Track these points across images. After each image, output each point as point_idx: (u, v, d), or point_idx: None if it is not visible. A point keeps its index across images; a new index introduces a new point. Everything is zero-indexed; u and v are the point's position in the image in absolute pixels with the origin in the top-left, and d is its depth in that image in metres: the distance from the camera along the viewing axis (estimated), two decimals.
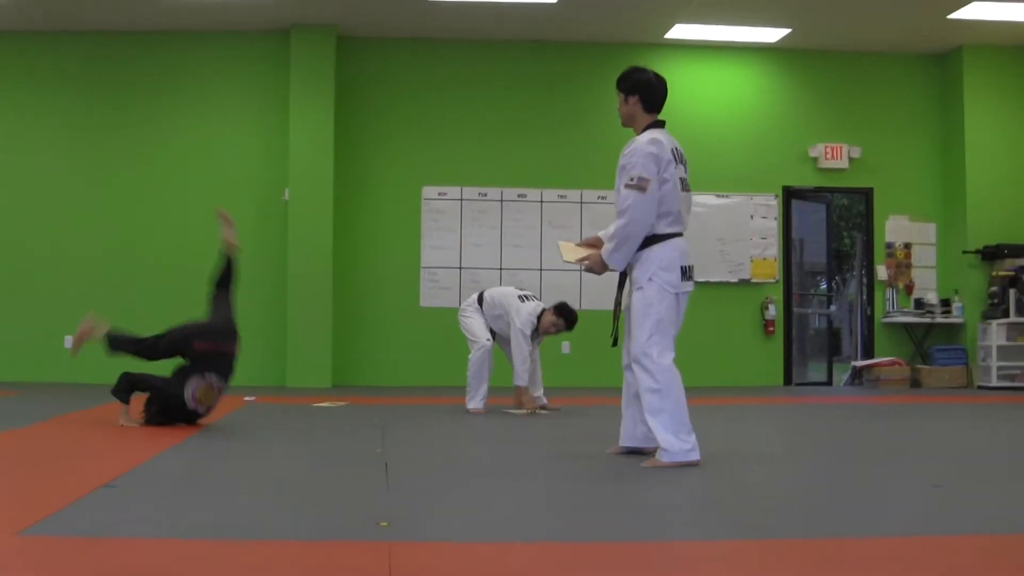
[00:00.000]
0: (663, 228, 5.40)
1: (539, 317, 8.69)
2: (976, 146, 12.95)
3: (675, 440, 5.28)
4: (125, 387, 6.91)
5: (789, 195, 13.28)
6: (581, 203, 12.79)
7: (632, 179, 5.34)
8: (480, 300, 8.94)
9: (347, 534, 3.68)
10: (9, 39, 12.44)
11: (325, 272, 12.12)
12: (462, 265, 12.74)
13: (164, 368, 6.99)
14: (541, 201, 12.82)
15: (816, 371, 14.46)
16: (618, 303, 5.73)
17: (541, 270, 12.62)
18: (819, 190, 13.52)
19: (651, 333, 5.35)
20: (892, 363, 12.90)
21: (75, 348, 7.38)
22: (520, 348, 8.57)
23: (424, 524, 3.90)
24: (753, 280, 12.94)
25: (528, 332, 8.63)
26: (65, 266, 12.31)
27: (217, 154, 12.55)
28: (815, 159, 13.19)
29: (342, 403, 9.50)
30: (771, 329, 13.02)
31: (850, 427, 8.45)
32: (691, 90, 12.86)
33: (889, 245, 13.33)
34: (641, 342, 5.37)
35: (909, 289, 13.30)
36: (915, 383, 12.79)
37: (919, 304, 13.15)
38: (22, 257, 12.32)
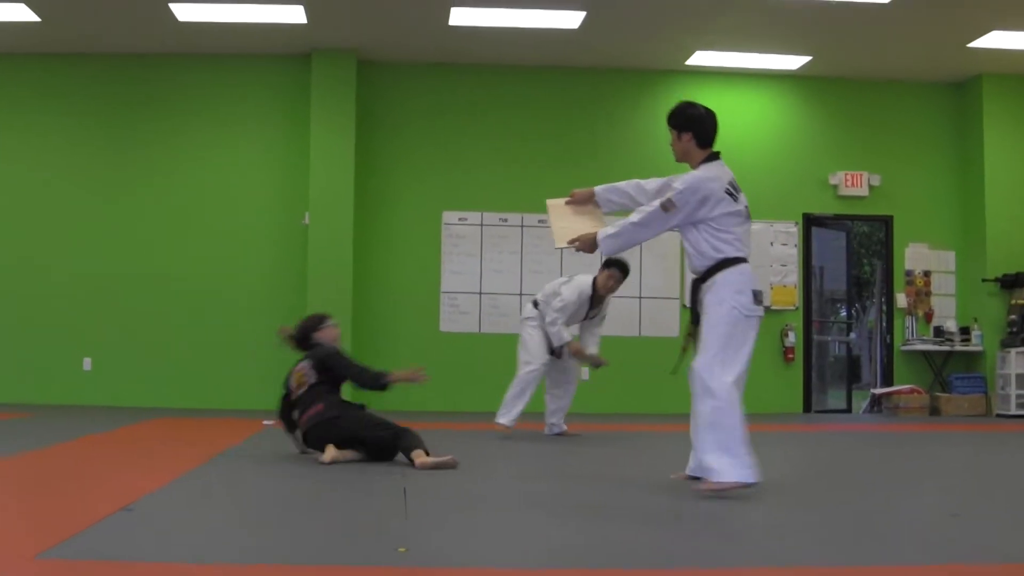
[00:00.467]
0: (731, 252, 5.37)
1: (593, 287, 8.57)
2: (995, 174, 12.92)
3: (727, 459, 5.17)
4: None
5: (809, 222, 13.27)
6: None
7: (667, 199, 5.38)
8: (535, 305, 8.79)
9: (365, 559, 3.67)
10: (31, 61, 12.53)
11: (345, 296, 12.10)
12: (482, 290, 12.75)
13: None
14: None
15: (835, 398, 14.40)
16: (690, 334, 5.60)
17: None
18: (839, 217, 13.51)
19: (718, 350, 5.28)
20: (911, 391, 12.85)
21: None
22: (559, 337, 8.48)
23: (443, 550, 3.89)
24: (773, 307, 12.88)
25: (564, 319, 8.50)
26: (84, 289, 12.35)
27: (237, 178, 12.62)
28: (835, 186, 13.18)
29: None
30: (791, 356, 12.98)
31: (869, 455, 8.41)
32: None
33: (908, 273, 13.29)
34: (707, 357, 5.29)
35: (928, 317, 13.25)
36: (934, 411, 12.72)
37: (938, 332, 13.11)
38: (41, 280, 12.37)
